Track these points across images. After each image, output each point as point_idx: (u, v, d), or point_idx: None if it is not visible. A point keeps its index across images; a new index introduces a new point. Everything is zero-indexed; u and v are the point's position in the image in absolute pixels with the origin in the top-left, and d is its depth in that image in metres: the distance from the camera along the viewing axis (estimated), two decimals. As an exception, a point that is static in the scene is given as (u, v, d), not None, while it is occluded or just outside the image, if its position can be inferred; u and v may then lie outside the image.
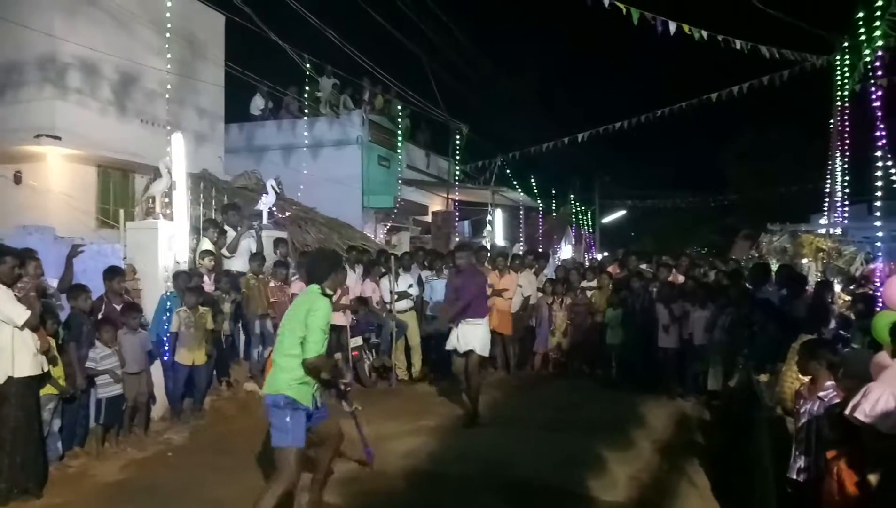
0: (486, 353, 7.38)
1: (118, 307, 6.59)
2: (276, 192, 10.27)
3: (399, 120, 17.87)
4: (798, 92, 16.65)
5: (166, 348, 7.04)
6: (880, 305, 5.55)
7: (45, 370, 5.28)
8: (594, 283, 10.17)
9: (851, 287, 9.31)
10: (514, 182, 19.81)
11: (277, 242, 9.42)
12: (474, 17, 33.62)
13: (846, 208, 12.78)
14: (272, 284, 8.45)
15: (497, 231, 19.88)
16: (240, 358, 8.62)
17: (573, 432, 6.81)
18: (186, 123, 11.98)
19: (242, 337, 8.62)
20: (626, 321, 9.10)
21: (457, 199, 18.69)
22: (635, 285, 9.42)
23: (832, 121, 12.98)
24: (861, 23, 10.83)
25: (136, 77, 11.50)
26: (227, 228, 8.79)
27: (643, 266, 10.75)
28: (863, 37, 10.84)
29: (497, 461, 5.90)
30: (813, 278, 9.99)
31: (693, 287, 8.88)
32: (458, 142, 19.15)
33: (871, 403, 3.29)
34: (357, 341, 8.92)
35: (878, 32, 9.66)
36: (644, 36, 9.81)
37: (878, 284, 7.60)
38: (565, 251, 23.78)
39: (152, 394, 6.84)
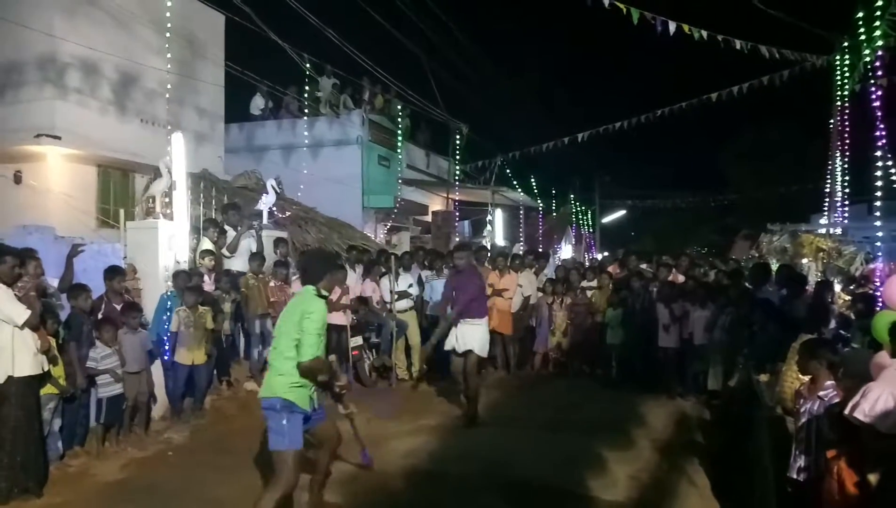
0: (484, 354, 7.35)
1: (118, 307, 6.59)
2: (276, 191, 10.28)
3: (399, 120, 17.88)
4: (798, 92, 16.70)
5: (167, 347, 7.05)
6: (880, 304, 5.55)
7: (46, 369, 5.28)
8: (594, 283, 10.17)
9: (851, 287, 9.32)
10: (514, 182, 19.83)
11: (277, 241, 9.43)
12: (474, 17, 33.68)
13: (846, 208, 12.79)
14: (272, 283, 8.46)
15: (497, 231, 19.89)
16: (240, 358, 8.63)
17: (573, 431, 6.81)
18: (186, 123, 11.99)
19: (243, 337, 8.63)
20: (626, 320, 9.10)
21: (457, 199, 18.70)
22: (635, 284, 9.42)
23: (832, 121, 12.99)
24: (861, 23, 10.84)
25: (136, 77, 11.50)
26: (227, 227, 8.80)
27: (643, 266, 10.76)
28: (863, 37, 10.85)
29: (497, 460, 5.90)
30: (813, 277, 10.00)
31: (693, 287, 8.88)
32: (458, 142, 19.17)
33: (870, 403, 3.29)
34: (357, 340, 8.94)
35: (877, 32, 9.67)
36: (644, 36, 9.81)
37: (878, 283, 7.60)
38: (565, 251, 23.78)
39: (153, 394, 6.85)
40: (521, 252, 14.20)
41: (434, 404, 8.03)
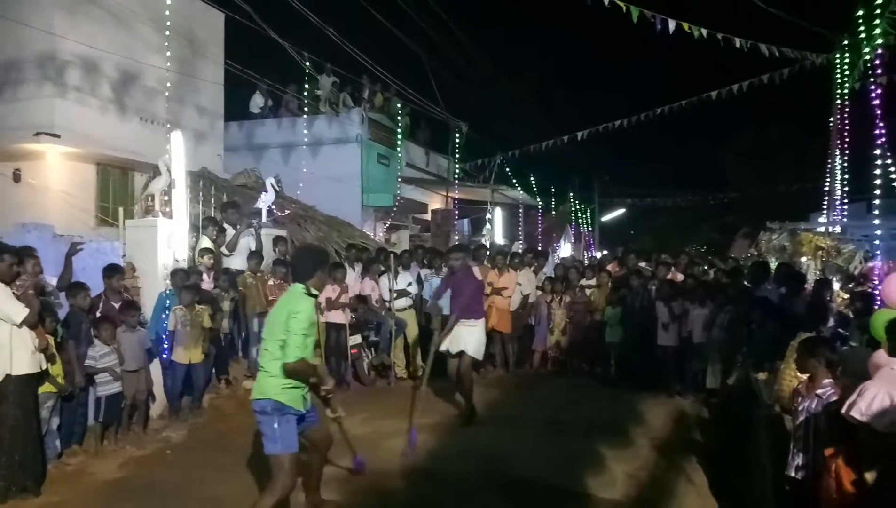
0: (479, 356, 7.32)
1: (117, 305, 6.59)
2: (275, 190, 10.28)
3: (399, 118, 17.86)
4: (798, 90, 16.71)
5: (165, 346, 7.05)
6: (879, 303, 5.55)
7: (44, 368, 5.28)
8: (593, 281, 10.16)
9: (850, 285, 9.31)
10: (514, 180, 19.80)
11: (277, 240, 9.43)
12: (474, 15, 33.65)
13: (845, 207, 12.79)
14: (271, 282, 8.46)
15: (496, 229, 19.89)
16: (239, 356, 8.63)
17: (572, 430, 6.81)
18: (186, 121, 11.98)
19: (242, 334, 8.63)
20: (625, 319, 9.10)
21: (456, 197, 18.68)
22: (634, 283, 9.42)
23: (832, 119, 12.98)
24: (861, 21, 10.85)
25: (136, 75, 11.49)
26: (226, 226, 8.81)
27: (642, 264, 10.76)
28: (862, 35, 10.85)
29: (495, 458, 5.90)
30: (812, 276, 10.00)
31: (692, 285, 8.87)
32: (457, 140, 19.16)
33: (866, 401, 3.29)
34: (356, 339, 8.93)
35: (877, 31, 9.68)
36: (644, 34, 9.80)
37: (877, 282, 7.62)
38: (565, 250, 23.76)
39: (151, 392, 6.85)
40: (520, 251, 14.21)
41: (432, 402, 8.01)
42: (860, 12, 10.77)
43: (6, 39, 10.40)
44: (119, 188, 11.50)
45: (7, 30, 10.14)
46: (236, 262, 8.67)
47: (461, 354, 7.06)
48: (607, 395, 8.40)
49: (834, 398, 3.80)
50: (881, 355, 3.97)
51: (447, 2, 15.01)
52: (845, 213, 12.76)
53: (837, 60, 12.47)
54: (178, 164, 7.79)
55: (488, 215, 19.32)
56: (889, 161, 8.53)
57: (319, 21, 11.98)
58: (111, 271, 6.65)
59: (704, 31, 10.10)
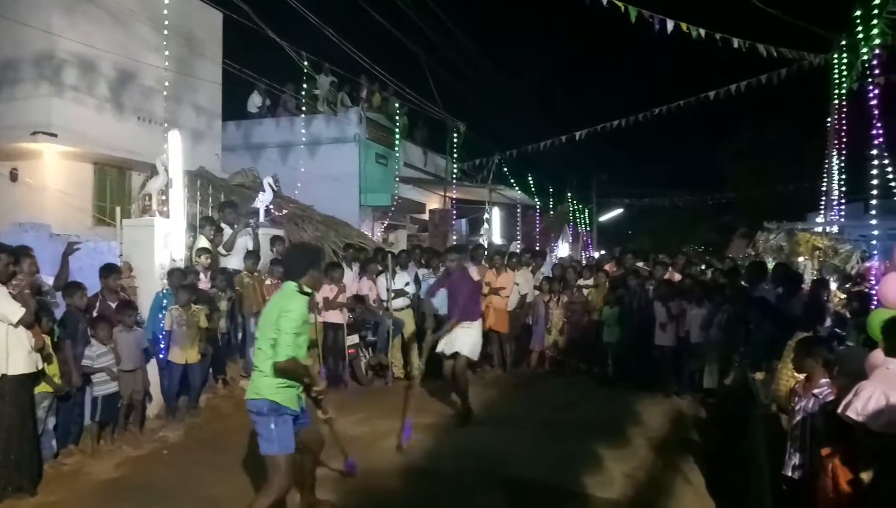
0: (474, 357, 7.32)
1: (113, 305, 6.58)
2: (273, 189, 10.26)
3: (397, 118, 17.86)
4: (796, 90, 16.72)
5: (162, 345, 7.03)
6: (875, 303, 5.54)
7: (40, 367, 5.26)
8: (591, 281, 10.17)
9: (847, 285, 9.32)
10: (512, 180, 19.80)
11: (274, 240, 9.42)
12: (472, 15, 33.61)
13: (843, 207, 12.79)
14: (268, 282, 8.45)
15: (494, 229, 19.88)
16: (236, 356, 8.60)
17: (569, 430, 6.81)
18: (183, 121, 11.95)
19: (240, 334, 8.61)
20: (622, 318, 9.11)
21: (454, 197, 18.67)
22: (632, 283, 9.42)
23: (829, 119, 13.00)
24: (859, 21, 10.85)
25: (134, 74, 11.46)
26: (223, 225, 8.79)
27: (640, 264, 10.76)
28: (860, 35, 10.86)
29: (492, 458, 5.90)
30: (809, 276, 10.00)
31: (689, 285, 8.89)
32: (455, 140, 19.14)
33: (862, 401, 3.29)
34: (353, 338, 8.93)
35: (875, 31, 9.70)
36: (642, 34, 9.81)
37: (874, 282, 7.62)
38: (562, 249, 23.74)
39: (148, 392, 6.84)
40: (518, 250, 14.19)
41: (430, 402, 8.01)
42: (858, 12, 10.78)
43: (3, 38, 10.38)
44: (116, 188, 11.47)
45: (4, 29, 10.11)
46: (233, 262, 8.65)
47: (455, 355, 7.06)
48: (604, 395, 8.40)
49: (830, 398, 3.80)
50: (878, 354, 3.96)
51: (445, 2, 15.01)
52: (842, 213, 12.76)
53: (835, 61, 12.49)
54: (175, 163, 7.79)
55: (486, 215, 19.31)
56: (886, 161, 8.55)
57: (318, 20, 11.97)
58: (108, 270, 6.64)
59: (702, 32, 10.11)
